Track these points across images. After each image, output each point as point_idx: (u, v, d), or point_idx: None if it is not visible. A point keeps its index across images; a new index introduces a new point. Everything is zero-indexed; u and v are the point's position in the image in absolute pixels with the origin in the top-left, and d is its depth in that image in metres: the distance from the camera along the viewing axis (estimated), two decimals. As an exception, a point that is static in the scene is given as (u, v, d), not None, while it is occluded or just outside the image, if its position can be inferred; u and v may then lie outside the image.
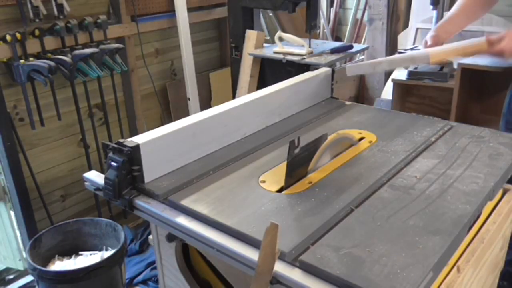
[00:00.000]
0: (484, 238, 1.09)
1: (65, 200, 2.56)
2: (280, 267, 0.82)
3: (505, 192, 1.25)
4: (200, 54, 3.15)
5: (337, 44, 2.48)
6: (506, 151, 1.21)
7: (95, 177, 1.16)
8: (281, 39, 2.33)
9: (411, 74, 2.51)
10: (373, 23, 3.34)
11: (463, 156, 1.19)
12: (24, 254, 2.34)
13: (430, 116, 1.48)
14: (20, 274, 2.43)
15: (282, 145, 1.29)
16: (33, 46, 2.18)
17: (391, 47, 3.34)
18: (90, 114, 2.53)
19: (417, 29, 3.13)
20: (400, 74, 2.61)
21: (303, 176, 1.12)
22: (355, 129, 1.38)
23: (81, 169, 2.52)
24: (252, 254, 0.85)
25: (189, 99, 2.95)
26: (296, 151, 1.05)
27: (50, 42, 2.25)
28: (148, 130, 1.17)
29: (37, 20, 2.17)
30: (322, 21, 4.02)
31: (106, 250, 2.17)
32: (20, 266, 2.40)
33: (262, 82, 2.44)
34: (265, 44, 2.50)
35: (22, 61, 2.12)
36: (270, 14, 3.84)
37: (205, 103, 3.12)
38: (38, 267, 1.89)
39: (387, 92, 3.09)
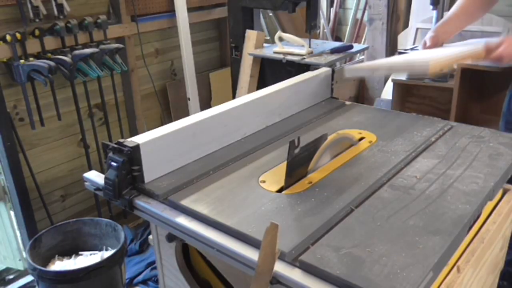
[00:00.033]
0: (484, 238, 1.09)
1: (65, 200, 2.56)
2: (280, 267, 0.82)
3: (505, 192, 1.25)
4: (200, 54, 3.15)
5: (337, 44, 2.48)
6: (506, 151, 1.21)
7: (95, 177, 1.16)
8: (281, 39, 2.33)
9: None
10: (373, 23, 3.34)
11: (463, 156, 1.19)
12: (24, 254, 2.34)
13: (430, 116, 1.48)
14: (20, 274, 2.43)
15: (282, 145, 1.29)
16: (33, 46, 2.18)
17: (391, 47, 3.34)
18: (90, 114, 2.53)
19: (417, 29, 3.13)
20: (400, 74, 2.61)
21: (303, 176, 1.11)
22: (355, 129, 1.38)
23: (81, 169, 2.52)
24: (252, 254, 0.85)
25: (189, 99, 2.95)
26: (296, 151, 1.05)
27: (50, 42, 2.25)
28: (148, 130, 1.17)
29: (37, 20, 2.17)
30: (322, 21, 4.02)
31: (106, 250, 2.17)
32: (20, 266, 2.40)
33: (262, 82, 2.44)
34: (265, 44, 2.50)
35: (22, 61, 2.12)
36: (270, 14, 3.84)
37: (205, 103, 3.12)
38: (38, 267, 1.89)
39: (387, 92, 3.09)
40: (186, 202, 1.02)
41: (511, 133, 1.36)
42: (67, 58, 2.21)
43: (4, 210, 2.31)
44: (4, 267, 2.44)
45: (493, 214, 1.17)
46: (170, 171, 1.15)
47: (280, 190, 1.06)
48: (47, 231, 2.10)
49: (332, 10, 4.09)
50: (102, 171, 1.17)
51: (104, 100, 2.56)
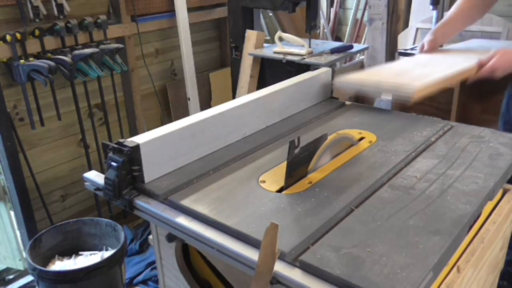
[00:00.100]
0: (484, 238, 1.09)
1: (65, 200, 2.56)
2: (280, 267, 0.82)
3: (505, 192, 1.25)
4: (200, 54, 3.15)
5: (337, 44, 2.48)
6: (506, 151, 1.21)
7: (95, 177, 1.16)
8: (281, 39, 2.33)
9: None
10: (373, 23, 3.34)
11: (463, 156, 1.19)
12: (24, 254, 2.34)
13: (430, 116, 1.48)
14: (20, 274, 2.43)
15: (282, 145, 1.29)
16: (33, 46, 2.18)
17: (391, 47, 3.34)
18: (90, 114, 2.53)
19: (417, 29, 3.13)
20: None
21: (303, 176, 1.11)
22: (355, 129, 1.38)
23: (81, 169, 2.52)
24: (252, 254, 0.85)
25: (189, 99, 2.95)
26: (296, 151, 1.05)
27: (50, 42, 2.25)
28: (148, 130, 1.17)
29: (37, 20, 2.17)
30: (322, 21, 4.02)
31: (106, 250, 2.17)
32: (20, 266, 2.40)
33: (262, 82, 2.44)
34: (265, 44, 2.50)
35: (22, 61, 2.12)
36: (270, 14, 3.84)
37: (205, 103, 3.13)
38: (38, 267, 1.89)
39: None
40: (186, 202, 1.02)
41: (510, 133, 1.36)
42: (67, 58, 2.21)
43: (4, 210, 2.31)
44: (4, 267, 2.44)
45: (493, 214, 1.17)
46: (170, 171, 1.15)
47: (280, 190, 1.06)
48: (47, 231, 2.10)
49: (332, 10, 4.09)
50: (102, 171, 1.17)
51: (104, 100, 2.56)
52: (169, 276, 1.22)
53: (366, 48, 2.71)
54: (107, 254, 2.06)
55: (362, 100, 3.54)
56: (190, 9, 2.85)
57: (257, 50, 2.41)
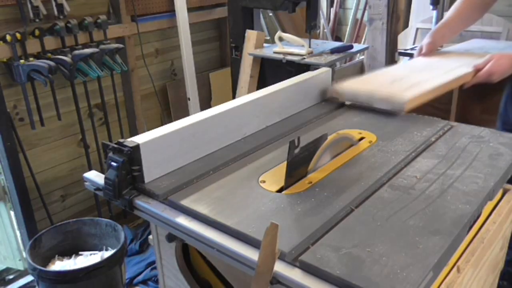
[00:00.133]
0: (484, 238, 1.09)
1: (65, 200, 2.56)
2: (280, 267, 0.82)
3: (505, 192, 1.25)
4: (200, 54, 3.15)
5: (337, 44, 2.48)
6: (506, 151, 1.21)
7: (95, 177, 1.16)
8: (281, 39, 2.33)
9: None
10: (373, 23, 3.34)
11: (463, 156, 1.19)
12: (24, 254, 2.34)
13: (430, 116, 1.48)
14: (20, 274, 2.43)
15: (282, 145, 1.29)
16: (33, 46, 2.18)
17: (391, 47, 3.34)
18: (90, 114, 2.53)
19: (417, 29, 3.13)
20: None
21: (303, 176, 1.11)
22: (355, 129, 1.38)
23: (81, 169, 2.53)
24: (252, 254, 0.85)
25: (189, 99, 2.95)
26: (296, 151, 1.05)
27: (50, 42, 2.25)
28: (148, 130, 1.17)
29: (37, 20, 2.17)
30: (322, 21, 4.02)
31: (106, 250, 2.17)
32: (20, 266, 2.40)
33: (262, 82, 2.44)
34: (265, 44, 2.51)
35: (22, 61, 2.12)
36: (270, 14, 3.84)
37: (205, 103, 3.13)
38: (38, 267, 1.89)
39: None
40: (186, 202, 1.02)
41: (509, 133, 1.36)
42: (67, 58, 2.22)
43: (4, 210, 2.31)
44: (4, 267, 2.45)
45: (493, 214, 1.17)
46: (170, 171, 1.15)
47: (280, 190, 1.06)
48: (47, 231, 2.10)
49: (332, 10, 4.09)
50: (102, 171, 1.17)
51: (104, 100, 2.56)
52: (169, 276, 1.22)
53: (366, 48, 2.71)
54: (107, 254, 2.06)
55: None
56: (190, 9, 2.86)
57: (257, 50, 2.42)
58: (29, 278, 2.37)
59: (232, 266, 0.89)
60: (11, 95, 2.21)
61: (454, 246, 0.89)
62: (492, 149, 1.23)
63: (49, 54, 2.23)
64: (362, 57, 3.53)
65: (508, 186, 1.25)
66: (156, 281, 2.29)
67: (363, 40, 3.75)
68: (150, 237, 1.25)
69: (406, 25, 3.31)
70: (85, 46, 2.37)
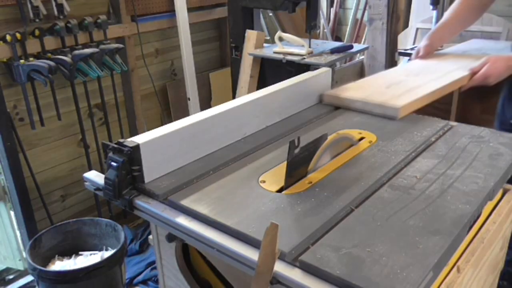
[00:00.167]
0: (484, 238, 1.09)
1: (65, 200, 2.56)
2: (280, 267, 0.82)
3: (505, 192, 1.25)
4: (200, 54, 3.15)
5: (337, 44, 2.48)
6: (506, 151, 1.21)
7: (95, 177, 1.16)
8: (281, 39, 2.33)
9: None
10: (373, 23, 3.34)
11: (463, 156, 1.19)
12: (24, 254, 2.34)
13: (430, 116, 1.48)
14: (20, 274, 2.43)
15: (282, 145, 1.29)
16: (33, 46, 2.18)
17: (391, 47, 3.34)
18: (90, 114, 2.53)
19: (417, 29, 3.13)
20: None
21: (303, 176, 1.11)
22: (355, 129, 1.38)
23: (81, 169, 2.53)
24: (252, 254, 0.85)
25: (189, 99, 2.95)
26: (296, 151, 1.05)
27: (50, 42, 2.25)
28: (148, 130, 1.17)
29: (37, 20, 2.17)
30: (322, 21, 4.02)
31: (106, 250, 2.17)
32: (20, 266, 2.40)
33: (262, 82, 2.44)
34: (265, 44, 2.50)
35: (22, 61, 2.12)
36: (270, 14, 3.84)
37: (205, 103, 3.13)
38: (38, 267, 1.89)
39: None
40: (186, 202, 1.02)
41: (506, 133, 1.36)
42: (67, 58, 2.22)
43: (4, 210, 2.31)
44: (4, 267, 2.45)
45: (493, 214, 1.17)
46: (170, 171, 1.15)
47: (280, 190, 1.06)
48: (47, 231, 2.10)
49: (332, 10, 4.09)
50: (102, 171, 1.17)
51: (104, 100, 2.56)
52: (169, 276, 1.22)
53: (366, 48, 2.71)
54: (107, 254, 2.07)
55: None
56: (190, 9, 2.86)
57: (257, 50, 2.42)
58: (29, 278, 2.37)
59: (232, 266, 0.89)
60: (11, 95, 2.22)
61: (454, 246, 0.89)
62: (492, 149, 1.23)
63: (49, 54, 2.23)
64: (362, 57, 3.52)
65: (508, 186, 1.25)
66: (156, 281, 2.29)
67: (363, 40, 3.75)
68: (150, 237, 1.25)
69: (406, 25, 3.30)
70: (85, 46, 2.37)
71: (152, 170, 1.11)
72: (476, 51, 2.03)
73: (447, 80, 1.62)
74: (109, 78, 2.55)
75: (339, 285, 0.78)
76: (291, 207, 0.99)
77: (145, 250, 2.57)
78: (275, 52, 2.32)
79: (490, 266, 1.22)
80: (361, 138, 1.32)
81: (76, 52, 2.28)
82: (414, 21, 3.20)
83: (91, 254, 2.15)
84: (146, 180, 1.10)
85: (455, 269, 0.97)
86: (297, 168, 1.09)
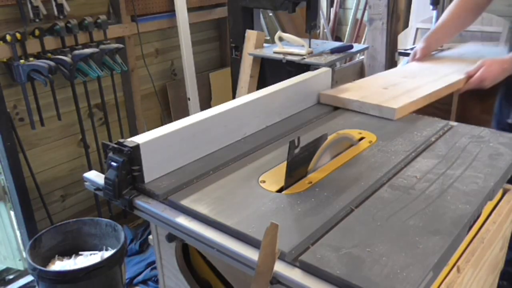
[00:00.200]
0: (484, 238, 1.09)
1: (65, 200, 2.56)
2: (280, 267, 0.82)
3: (505, 192, 1.25)
4: (200, 54, 3.15)
5: (337, 44, 2.47)
6: (506, 151, 1.21)
7: (95, 177, 1.16)
8: (281, 39, 2.33)
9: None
10: (373, 23, 3.34)
11: (463, 156, 1.19)
12: (24, 254, 2.34)
13: (430, 116, 1.48)
14: (20, 274, 2.43)
15: (282, 145, 1.29)
16: (33, 46, 2.18)
17: (391, 47, 3.34)
18: (90, 114, 2.53)
19: (417, 29, 3.13)
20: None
21: (303, 176, 1.11)
22: (355, 129, 1.38)
23: (81, 169, 2.53)
24: (252, 254, 0.85)
25: (189, 99, 2.95)
26: (296, 151, 1.05)
27: (50, 42, 2.25)
28: (148, 130, 1.17)
29: (37, 20, 2.17)
30: (322, 21, 4.02)
31: (106, 250, 2.17)
32: (20, 266, 2.40)
33: (262, 82, 2.44)
34: (265, 44, 2.50)
35: (22, 61, 2.12)
36: (270, 14, 3.84)
37: (205, 103, 3.13)
38: (38, 267, 1.89)
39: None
40: (186, 202, 1.02)
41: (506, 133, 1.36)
42: (67, 58, 2.22)
43: (4, 210, 2.31)
44: (4, 267, 2.45)
45: (493, 214, 1.17)
46: (170, 171, 1.15)
47: (280, 190, 1.06)
48: (47, 231, 2.10)
49: (332, 10, 4.09)
50: (102, 171, 1.17)
51: (104, 100, 2.56)
52: (169, 276, 1.22)
53: (366, 48, 2.71)
54: (107, 254, 2.07)
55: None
56: (190, 9, 2.86)
57: (257, 50, 2.41)
58: (29, 278, 2.37)
59: (232, 266, 0.89)
60: (11, 95, 2.22)
61: (454, 246, 0.89)
62: (492, 149, 1.23)
63: (49, 54, 2.23)
64: (362, 57, 3.52)
65: (508, 186, 1.25)
66: (156, 281, 2.29)
67: (363, 40, 3.75)
68: (150, 237, 1.25)
69: (406, 25, 3.30)
70: (85, 46, 2.37)
71: (152, 170, 1.11)
72: (473, 54, 2.03)
73: (444, 83, 1.63)
74: (109, 78, 2.55)
75: (339, 285, 0.78)
76: (291, 207, 0.99)
77: (145, 250, 2.57)
78: (275, 52, 2.32)
79: (490, 266, 1.22)
80: (361, 138, 1.32)
81: (76, 52, 2.28)
82: (414, 21, 3.20)
83: (91, 254, 2.15)
84: (146, 180, 1.10)
85: (455, 269, 0.97)
86: (297, 168, 1.09)
